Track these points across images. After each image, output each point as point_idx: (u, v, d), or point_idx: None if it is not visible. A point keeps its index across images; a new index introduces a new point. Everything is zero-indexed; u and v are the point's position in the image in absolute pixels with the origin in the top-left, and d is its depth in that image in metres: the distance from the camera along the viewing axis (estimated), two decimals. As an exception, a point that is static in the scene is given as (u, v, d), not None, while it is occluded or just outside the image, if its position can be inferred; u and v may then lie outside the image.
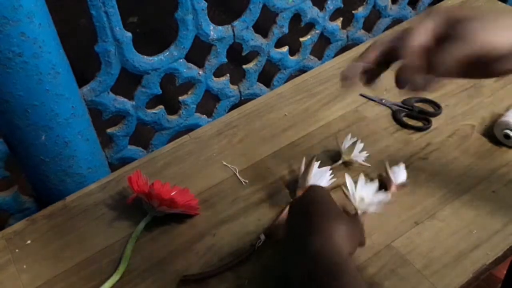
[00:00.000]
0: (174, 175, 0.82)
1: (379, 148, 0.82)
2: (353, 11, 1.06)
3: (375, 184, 0.70)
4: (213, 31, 0.87)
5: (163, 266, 0.69)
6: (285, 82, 1.02)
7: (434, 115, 0.87)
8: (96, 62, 0.79)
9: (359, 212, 0.67)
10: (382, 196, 0.68)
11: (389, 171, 0.74)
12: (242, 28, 0.90)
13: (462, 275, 0.64)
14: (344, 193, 0.71)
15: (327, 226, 0.53)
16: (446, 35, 0.46)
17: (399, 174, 0.75)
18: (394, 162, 0.76)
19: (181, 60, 0.87)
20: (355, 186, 0.69)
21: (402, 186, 0.74)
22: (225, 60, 0.92)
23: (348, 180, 0.70)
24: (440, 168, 0.78)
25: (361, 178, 0.70)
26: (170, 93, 0.99)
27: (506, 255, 0.67)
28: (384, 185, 0.74)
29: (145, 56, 0.83)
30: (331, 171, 0.76)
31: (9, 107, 0.70)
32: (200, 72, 0.91)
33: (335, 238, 0.51)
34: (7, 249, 0.73)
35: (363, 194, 0.68)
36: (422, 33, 0.46)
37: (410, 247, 0.68)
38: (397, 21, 1.13)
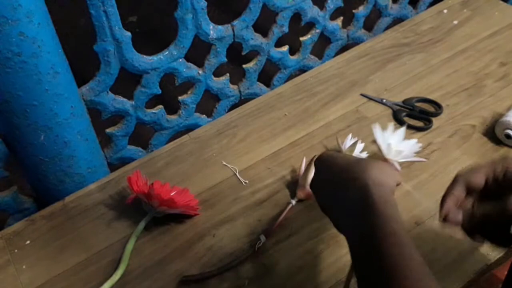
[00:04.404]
0: (174, 175, 0.82)
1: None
2: (353, 11, 1.06)
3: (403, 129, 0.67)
4: (213, 31, 0.87)
5: (163, 266, 0.69)
6: (285, 81, 1.02)
7: (435, 115, 0.86)
8: (95, 61, 0.79)
9: (396, 164, 0.64)
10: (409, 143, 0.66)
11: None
12: (242, 27, 0.90)
13: (463, 275, 0.64)
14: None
15: (370, 165, 0.52)
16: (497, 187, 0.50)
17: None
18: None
19: (180, 60, 0.87)
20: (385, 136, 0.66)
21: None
22: (225, 59, 0.92)
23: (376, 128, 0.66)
24: (441, 168, 0.78)
25: (390, 127, 0.66)
26: (169, 93, 0.99)
27: (507, 255, 0.67)
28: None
29: (145, 56, 0.83)
30: (331, 171, 0.75)
31: (8, 106, 0.70)
32: (200, 72, 0.91)
33: (380, 174, 0.51)
34: (6, 249, 0.73)
35: (396, 143, 0.66)
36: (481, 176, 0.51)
37: (411, 248, 0.67)
38: (397, 20, 1.12)
